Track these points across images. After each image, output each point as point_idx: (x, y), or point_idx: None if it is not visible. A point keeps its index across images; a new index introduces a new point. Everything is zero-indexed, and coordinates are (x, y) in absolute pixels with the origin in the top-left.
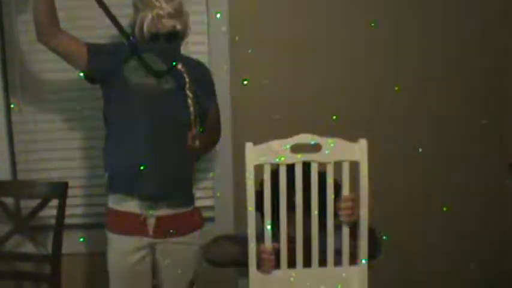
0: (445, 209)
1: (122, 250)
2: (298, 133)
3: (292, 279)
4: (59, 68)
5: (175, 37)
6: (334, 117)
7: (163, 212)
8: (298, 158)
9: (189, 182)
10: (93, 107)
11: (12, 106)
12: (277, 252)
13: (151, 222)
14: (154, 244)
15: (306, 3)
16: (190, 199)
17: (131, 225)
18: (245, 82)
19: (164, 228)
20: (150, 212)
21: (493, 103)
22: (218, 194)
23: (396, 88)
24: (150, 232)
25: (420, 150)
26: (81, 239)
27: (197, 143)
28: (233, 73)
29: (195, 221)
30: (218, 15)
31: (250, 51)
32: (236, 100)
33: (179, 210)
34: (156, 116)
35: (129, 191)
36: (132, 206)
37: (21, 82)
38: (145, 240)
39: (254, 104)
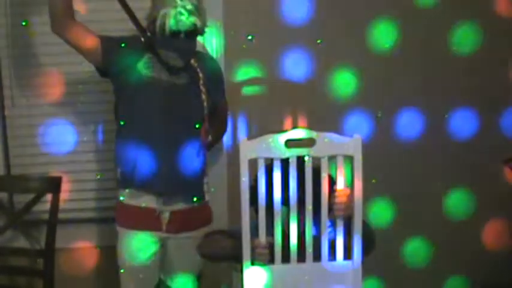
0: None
1: (135, 245)
2: (292, 128)
3: (286, 273)
4: (53, 62)
5: (194, 34)
6: None
7: (178, 206)
8: (293, 153)
9: (201, 176)
10: (87, 101)
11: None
12: (271, 247)
13: (165, 217)
14: (167, 239)
15: None
16: (203, 193)
17: (145, 220)
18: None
19: (177, 223)
20: (165, 207)
21: (490, 99)
22: (212, 189)
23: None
24: (164, 227)
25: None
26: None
27: (210, 137)
28: (227, 68)
29: (206, 215)
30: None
31: (244, 46)
32: (230, 94)
33: (193, 204)
34: (169, 110)
35: (144, 186)
36: (146, 201)
37: (15, 76)
38: (158, 235)
39: (248, 98)
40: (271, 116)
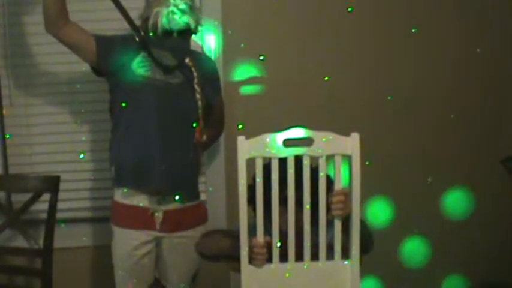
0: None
1: (129, 244)
2: (290, 127)
3: (284, 273)
4: (50, 62)
5: (188, 33)
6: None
7: (171, 206)
8: (291, 152)
9: (196, 175)
10: (85, 100)
11: None
12: (269, 246)
13: (159, 216)
14: (161, 238)
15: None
16: (197, 193)
17: (139, 219)
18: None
19: (171, 222)
20: (158, 206)
21: (485, 99)
22: (210, 189)
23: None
24: (157, 226)
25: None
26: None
27: (204, 137)
28: (225, 67)
29: (201, 214)
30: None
31: (242, 45)
32: (228, 93)
33: (186, 204)
34: (164, 110)
35: (138, 185)
36: (140, 200)
37: (13, 75)
38: (152, 234)
39: (246, 97)
40: (269, 115)
